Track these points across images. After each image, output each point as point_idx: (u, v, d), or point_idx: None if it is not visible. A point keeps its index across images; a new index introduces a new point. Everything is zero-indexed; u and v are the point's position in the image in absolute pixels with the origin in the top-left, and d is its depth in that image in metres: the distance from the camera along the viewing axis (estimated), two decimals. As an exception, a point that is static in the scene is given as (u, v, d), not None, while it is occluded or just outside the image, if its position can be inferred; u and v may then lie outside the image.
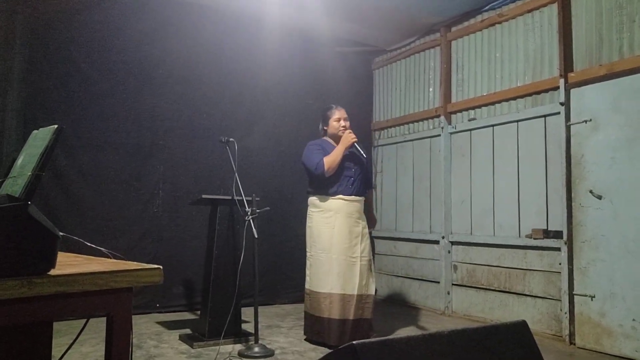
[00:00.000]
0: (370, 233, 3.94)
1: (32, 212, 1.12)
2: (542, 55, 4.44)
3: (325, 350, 3.54)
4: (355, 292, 3.66)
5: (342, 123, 3.88)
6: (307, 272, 3.83)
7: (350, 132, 3.81)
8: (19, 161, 1.31)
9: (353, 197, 3.79)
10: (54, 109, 4.42)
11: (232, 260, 3.84)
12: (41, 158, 1.19)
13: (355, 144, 3.78)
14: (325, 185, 3.78)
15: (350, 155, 3.83)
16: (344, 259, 3.69)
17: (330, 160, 3.71)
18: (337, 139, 3.85)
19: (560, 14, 4.20)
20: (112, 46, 4.72)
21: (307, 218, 3.88)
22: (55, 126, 1.25)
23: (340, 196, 3.76)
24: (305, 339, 3.81)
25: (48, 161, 1.20)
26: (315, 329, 3.70)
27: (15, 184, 1.21)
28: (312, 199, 3.86)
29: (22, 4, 4.33)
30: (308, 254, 3.84)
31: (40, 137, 1.29)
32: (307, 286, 3.82)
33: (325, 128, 3.97)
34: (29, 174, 1.17)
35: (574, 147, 4.02)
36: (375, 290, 3.88)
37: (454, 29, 5.39)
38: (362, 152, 3.81)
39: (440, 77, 5.46)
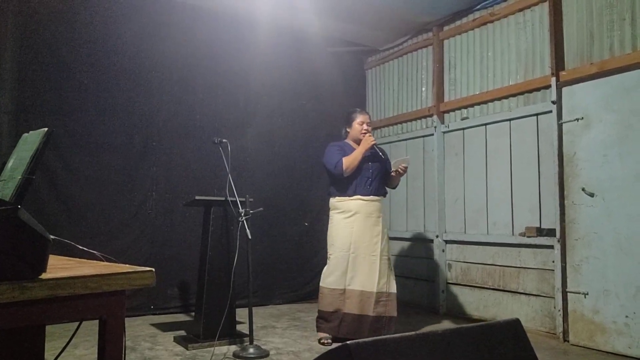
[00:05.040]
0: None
1: (23, 216, 1.11)
2: (534, 54, 4.46)
3: (321, 350, 3.54)
4: (375, 290, 3.73)
5: (365, 127, 3.98)
6: (325, 270, 3.85)
7: (370, 135, 3.92)
8: (9, 164, 1.31)
9: (372, 197, 3.87)
10: (46, 110, 4.40)
11: (226, 262, 3.83)
12: (31, 161, 1.19)
13: (375, 146, 3.89)
14: (344, 187, 3.87)
15: (369, 157, 3.89)
16: (364, 257, 3.76)
17: (349, 160, 3.80)
18: (358, 142, 3.94)
19: (551, 12, 4.22)
20: (105, 48, 4.71)
21: (329, 220, 3.95)
22: (45, 129, 1.24)
23: (359, 196, 3.83)
24: (319, 340, 3.79)
25: (38, 164, 1.19)
26: (332, 325, 3.74)
27: (6, 188, 1.20)
28: (332, 201, 3.94)
29: (14, 4, 4.30)
30: (329, 254, 3.88)
31: (30, 141, 1.28)
32: (322, 284, 3.83)
33: (347, 130, 4.07)
34: (19, 177, 1.17)
35: (566, 145, 4.04)
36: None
37: (446, 28, 5.40)
38: (380, 154, 3.92)
39: (433, 76, 5.48)
